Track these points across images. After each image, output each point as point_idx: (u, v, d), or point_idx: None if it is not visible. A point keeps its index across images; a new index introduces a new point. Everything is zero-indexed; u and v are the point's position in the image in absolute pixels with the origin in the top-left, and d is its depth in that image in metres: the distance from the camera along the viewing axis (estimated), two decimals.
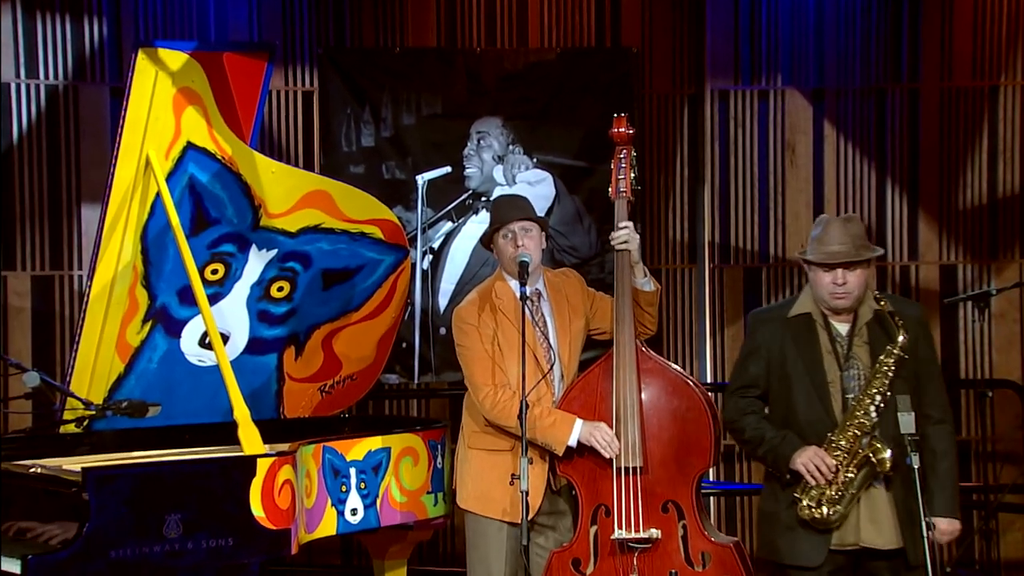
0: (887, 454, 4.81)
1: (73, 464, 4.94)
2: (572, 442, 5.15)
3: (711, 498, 7.85)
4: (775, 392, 5.06)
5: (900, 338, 4.88)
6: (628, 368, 5.20)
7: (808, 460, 4.90)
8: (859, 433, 4.87)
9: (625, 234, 5.24)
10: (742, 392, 5.12)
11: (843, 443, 4.88)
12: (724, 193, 8.03)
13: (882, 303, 4.92)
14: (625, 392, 5.19)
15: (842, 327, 4.99)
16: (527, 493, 4.94)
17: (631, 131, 5.36)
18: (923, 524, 4.72)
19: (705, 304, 8.01)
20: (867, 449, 4.84)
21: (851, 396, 4.92)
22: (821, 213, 7.97)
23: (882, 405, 4.86)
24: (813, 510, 4.91)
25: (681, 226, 8.07)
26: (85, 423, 5.37)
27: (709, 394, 5.32)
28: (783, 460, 4.96)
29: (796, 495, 4.95)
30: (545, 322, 5.35)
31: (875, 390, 4.87)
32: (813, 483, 4.91)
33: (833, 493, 4.89)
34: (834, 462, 4.88)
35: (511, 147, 7.87)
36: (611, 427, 5.16)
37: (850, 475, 4.88)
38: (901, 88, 8.00)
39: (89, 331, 5.40)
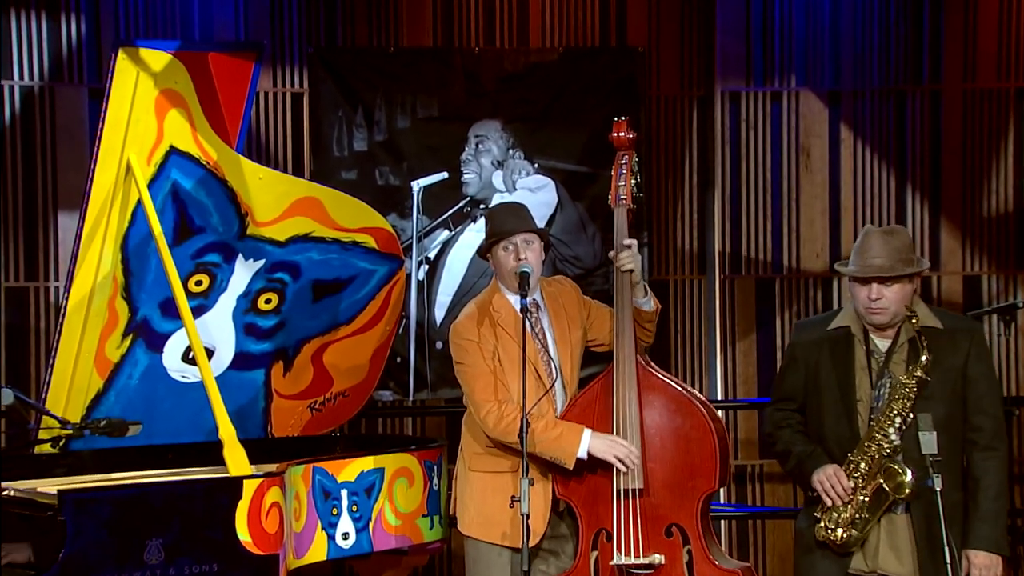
0: (905, 478, 4.81)
1: (49, 486, 4.93)
2: (582, 454, 5.14)
3: (722, 522, 7.84)
4: (809, 406, 5.11)
5: (923, 358, 4.88)
6: (628, 385, 5.20)
7: (825, 478, 4.94)
8: (877, 455, 4.87)
9: (628, 256, 5.23)
10: (779, 405, 5.19)
11: (862, 464, 4.89)
12: (735, 200, 8.03)
13: (914, 320, 4.92)
14: (625, 410, 5.19)
15: (882, 343, 5.01)
16: (528, 516, 4.93)
17: (632, 135, 5.38)
18: (945, 551, 4.71)
19: (715, 317, 8.00)
20: (888, 470, 4.85)
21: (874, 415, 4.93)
22: (837, 221, 7.99)
23: (904, 427, 4.86)
24: (830, 532, 4.94)
25: (689, 235, 8.06)
26: (61, 443, 5.35)
27: (717, 412, 5.32)
28: (806, 476, 5.02)
29: (816, 515, 4.98)
30: (545, 335, 5.36)
31: (895, 411, 4.87)
32: (829, 503, 4.93)
33: (848, 515, 4.90)
34: (850, 483, 4.89)
35: (511, 151, 7.87)
36: None
37: (865, 497, 4.88)
38: (922, 90, 8.00)
39: (66, 346, 5.39)
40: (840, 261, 5.15)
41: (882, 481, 4.85)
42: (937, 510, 4.68)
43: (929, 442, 4.75)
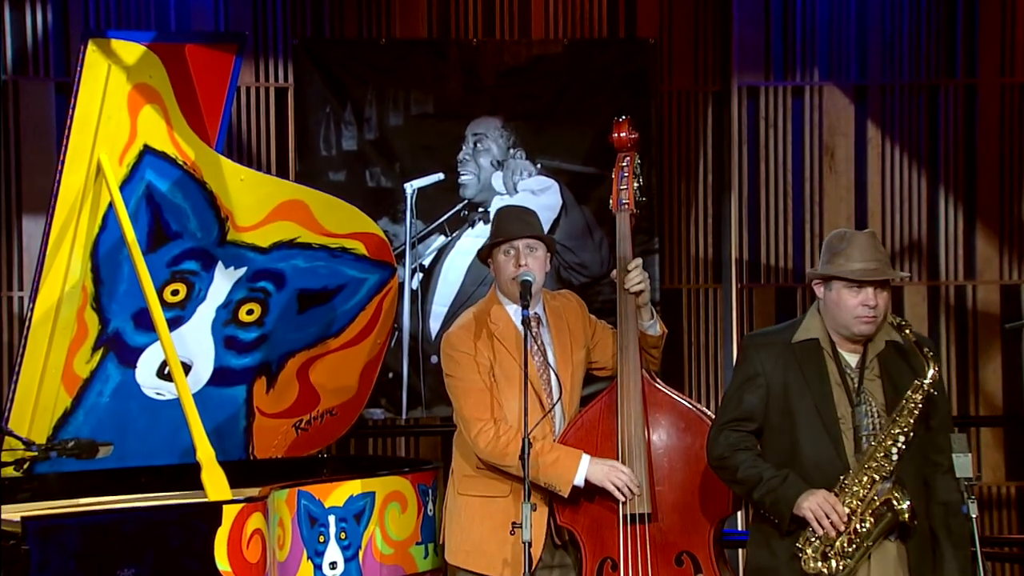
0: (904, 504, 4.76)
1: (12, 512, 4.90)
2: (579, 481, 5.13)
3: (739, 550, 7.82)
4: (775, 428, 4.97)
5: (931, 371, 4.82)
6: (633, 402, 5.20)
7: (817, 506, 4.81)
8: (876, 478, 4.83)
9: (637, 277, 5.21)
10: (734, 425, 5.00)
11: (856, 488, 4.83)
12: (753, 203, 8.03)
13: (907, 331, 4.87)
14: (630, 429, 5.18)
15: (851, 357, 4.95)
16: (530, 544, 4.92)
17: (634, 136, 5.40)
18: None
19: (732, 329, 7.99)
20: (887, 494, 4.80)
21: (864, 435, 4.88)
22: (863, 226, 7.97)
23: (904, 447, 4.82)
24: (819, 564, 4.85)
25: (704, 241, 8.06)
26: (26, 465, 5.33)
27: None
28: (785, 504, 4.86)
29: (798, 545, 4.88)
30: (546, 351, 5.34)
31: (898, 430, 4.81)
32: (820, 532, 4.84)
33: (843, 545, 4.85)
34: (846, 510, 4.83)
35: (512, 151, 7.87)
36: None
37: (865, 526, 4.84)
38: (956, 84, 8.00)
39: (31, 360, 5.38)
40: (811, 271, 5.04)
41: (893, 501, 4.79)
42: (973, 538, 4.65)
43: (964, 464, 4.72)
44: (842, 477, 4.85)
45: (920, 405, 4.81)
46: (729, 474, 5.01)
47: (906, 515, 4.78)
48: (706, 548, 5.16)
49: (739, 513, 7.32)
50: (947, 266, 7.98)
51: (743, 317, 8.02)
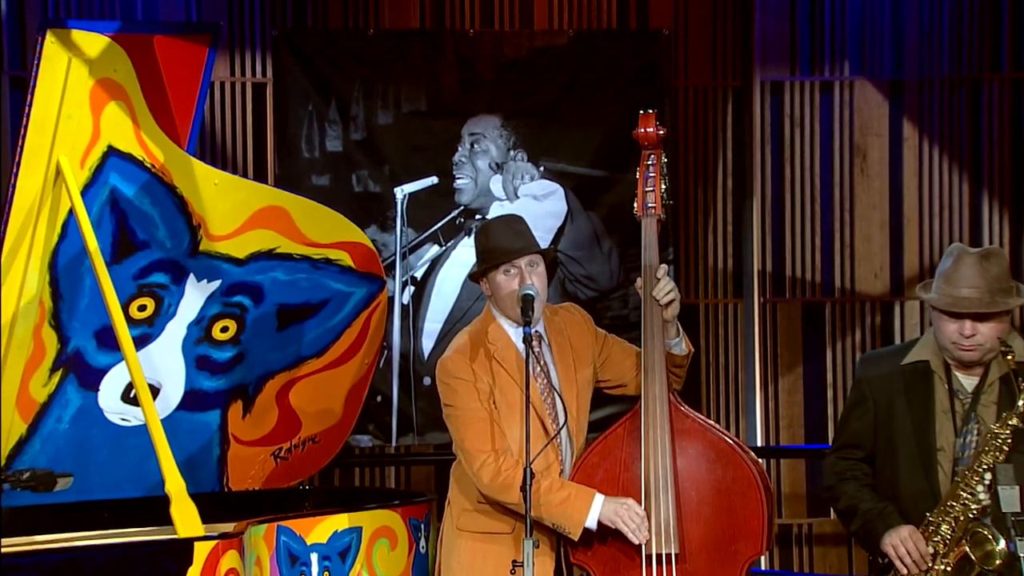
0: (996, 547, 4.74)
1: None
2: (591, 523, 5.10)
3: None
4: (881, 455, 5.07)
5: (1020, 403, 4.81)
6: (660, 429, 5.16)
7: (899, 542, 4.88)
8: (963, 517, 4.82)
9: (668, 287, 5.17)
10: (843, 453, 5.14)
11: (943, 527, 4.84)
12: (777, 210, 8.03)
13: (1010, 356, 4.85)
14: (656, 459, 5.15)
15: (968, 381, 4.97)
16: None
17: (661, 132, 5.33)
18: None
19: (754, 348, 7.98)
20: (969, 538, 4.79)
21: (960, 469, 4.88)
22: (899, 235, 7.98)
23: (995, 485, 4.79)
24: None
25: (724, 251, 8.05)
26: None
27: (760, 462, 5.27)
28: (875, 538, 4.95)
29: None
30: (548, 372, 5.31)
31: (984, 465, 4.81)
32: (904, 571, 4.87)
33: None
34: (929, 549, 4.83)
35: (512, 152, 7.86)
36: (639, 503, 5.11)
37: (947, 567, 4.82)
38: (1001, 79, 8.00)
39: None
40: (924, 282, 5.04)
41: (968, 548, 4.79)
42: None
43: (1010, 498, 4.69)
44: (928, 513, 4.88)
45: (1009, 440, 4.81)
46: (834, 504, 5.20)
47: (995, 560, 4.75)
48: None
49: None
50: None
51: (766, 334, 8.01)
